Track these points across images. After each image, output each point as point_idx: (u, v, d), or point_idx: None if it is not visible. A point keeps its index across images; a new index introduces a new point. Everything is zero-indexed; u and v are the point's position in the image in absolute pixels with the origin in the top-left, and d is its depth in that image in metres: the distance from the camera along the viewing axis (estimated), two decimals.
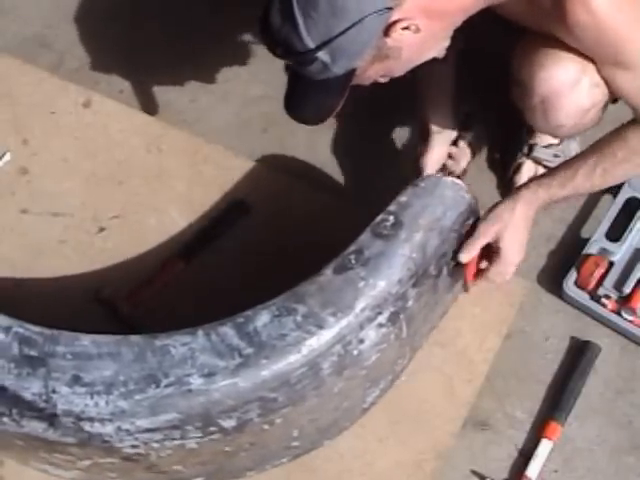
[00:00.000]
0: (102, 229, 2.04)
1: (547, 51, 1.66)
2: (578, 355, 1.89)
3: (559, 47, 1.65)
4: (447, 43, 1.64)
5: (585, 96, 1.69)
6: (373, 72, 1.58)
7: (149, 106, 2.19)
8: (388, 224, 1.64)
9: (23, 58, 2.25)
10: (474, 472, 1.80)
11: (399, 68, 1.61)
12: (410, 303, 1.65)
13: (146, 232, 2.03)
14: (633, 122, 1.67)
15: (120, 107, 2.19)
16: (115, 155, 2.13)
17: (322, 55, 1.49)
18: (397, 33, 1.51)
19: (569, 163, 1.74)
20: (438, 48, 1.64)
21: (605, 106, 1.75)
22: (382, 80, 1.66)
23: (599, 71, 1.65)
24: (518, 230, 1.72)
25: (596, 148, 1.70)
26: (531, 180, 1.78)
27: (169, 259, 1.98)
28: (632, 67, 1.59)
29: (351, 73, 1.54)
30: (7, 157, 2.12)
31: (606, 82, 1.67)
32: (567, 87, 1.67)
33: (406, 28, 1.51)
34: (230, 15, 2.27)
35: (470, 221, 1.72)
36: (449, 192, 1.69)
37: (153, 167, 2.11)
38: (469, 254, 1.73)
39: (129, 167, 2.11)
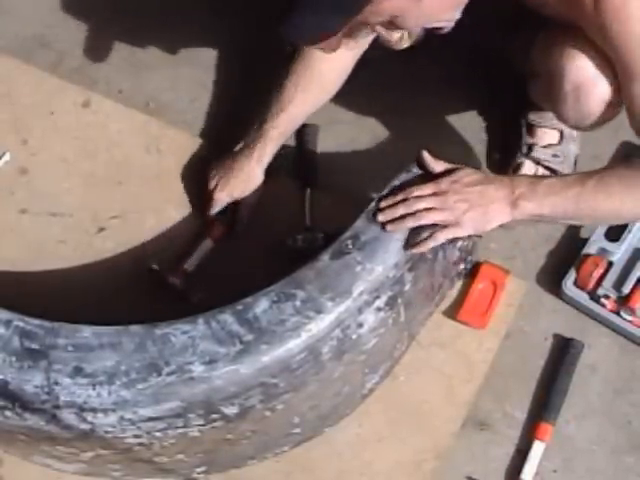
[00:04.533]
0: (101, 229, 2.09)
1: (578, 38, 1.68)
2: (561, 353, 1.94)
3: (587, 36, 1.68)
4: (457, 17, 1.66)
5: (616, 83, 1.70)
6: (391, 6, 1.56)
7: (148, 106, 2.25)
8: None
9: (23, 58, 2.29)
10: (470, 478, 1.87)
11: (413, 18, 1.60)
12: (407, 287, 1.70)
13: (145, 232, 2.08)
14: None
15: (119, 107, 2.23)
16: (114, 155, 2.18)
17: None
18: None
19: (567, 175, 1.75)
20: (450, 18, 1.65)
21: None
22: (385, 34, 1.64)
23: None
24: (484, 175, 1.71)
25: (598, 170, 1.70)
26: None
27: (209, 225, 2.05)
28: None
29: None
30: (7, 157, 2.17)
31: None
32: (599, 74, 1.70)
33: None
34: (231, 16, 2.31)
35: None
36: None
37: (152, 167, 2.16)
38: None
39: (128, 167, 2.16)
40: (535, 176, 1.77)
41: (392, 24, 1.62)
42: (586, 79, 1.73)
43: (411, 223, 1.67)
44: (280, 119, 2.00)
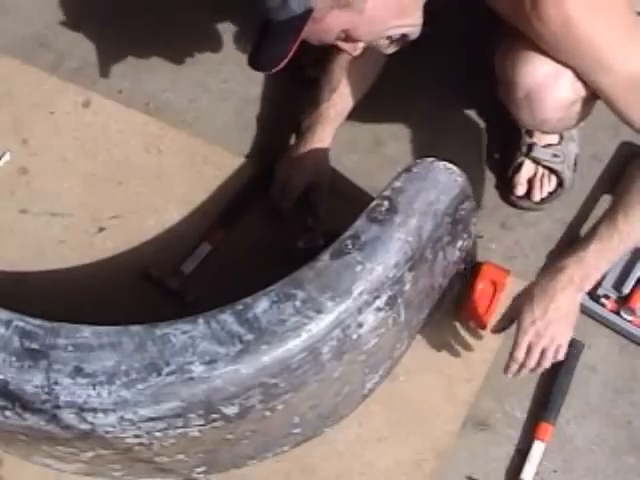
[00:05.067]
0: (101, 229, 2.10)
1: (529, 46, 1.69)
2: None
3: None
4: (417, 22, 1.71)
5: (569, 89, 1.72)
6: (334, 22, 1.63)
7: (148, 106, 2.25)
8: (383, 209, 1.69)
9: (23, 58, 2.30)
10: (471, 478, 1.86)
11: (363, 29, 1.67)
12: (407, 287, 1.70)
13: (145, 232, 2.09)
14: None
15: (119, 107, 2.24)
16: (114, 155, 2.18)
17: None
18: None
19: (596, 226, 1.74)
20: (407, 22, 1.71)
21: (592, 100, 1.77)
22: (348, 48, 1.71)
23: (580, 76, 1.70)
24: (537, 295, 1.74)
25: (615, 194, 1.74)
26: None
27: (209, 230, 2.07)
28: (609, 71, 1.64)
29: (308, 13, 1.59)
30: (7, 157, 2.17)
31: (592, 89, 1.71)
32: (550, 80, 1.71)
33: None
34: (230, 16, 2.32)
35: (464, 205, 1.77)
36: (442, 176, 1.74)
37: (152, 167, 2.17)
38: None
39: (128, 167, 2.17)
40: (572, 254, 1.74)
41: (349, 38, 1.69)
42: (537, 86, 1.74)
43: (540, 370, 1.78)
44: (334, 99, 2.06)
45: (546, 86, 1.73)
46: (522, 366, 1.77)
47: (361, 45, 1.73)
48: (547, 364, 1.77)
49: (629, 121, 1.70)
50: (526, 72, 1.73)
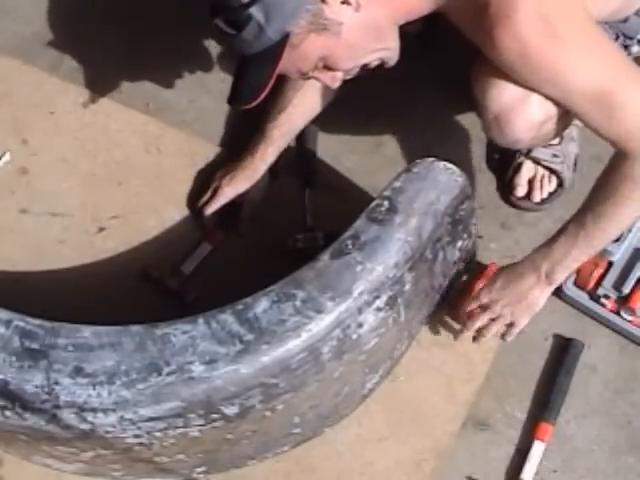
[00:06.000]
0: (101, 229, 2.10)
1: (496, 69, 1.68)
2: (562, 353, 1.95)
3: None
4: (394, 45, 1.72)
5: (537, 110, 1.72)
6: (312, 48, 1.64)
7: (148, 106, 2.25)
8: (383, 209, 1.70)
9: (23, 58, 2.30)
10: (471, 478, 1.86)
11: (341, 55, 1.68)
12: (407, 287, 1.70)
13: (145, 232, 2.09)
14: (615, 164, 1.67)
15: (119, 107, 2.24)
16: (114, 155, 2.19)
17: (256, 12, 1.57)
18: (336, 4, 1.60)
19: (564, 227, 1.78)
20: (385, 45, 1.72)
21: (567, 115, 1.76)
22: (326, 78, 1.72)
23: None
24: (502, 273, 1.85)
25: (588, 194, 1.74)
26: None
27: (209, 231, 2.08)
28: (574, 91, 1.62)
29: (286, 39, 1.60)
30: (7, 157, 2.17)
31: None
32: (517, 103, 1.71)
33: (345, 2, 1.61)
34: None
35: (464, 205, 1.78)
36: (442, 176, 1.75)
37: (152, 167, 2.17)
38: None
39: (128, 167, 2.17)
40: (543, 245, 1.81)
41: (327, 67, 1.70)
42: (504, 109, 1.74)
43: (482, 339, 1.89)
44: (280, 119, 2.04)
45: (514, 109, 1.73)
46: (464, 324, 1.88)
47: (339, 75, 1.74)
48: (488, 334, 1.86)
49: (604, 136, 1.66)
50: (494, 96, 1.74)
